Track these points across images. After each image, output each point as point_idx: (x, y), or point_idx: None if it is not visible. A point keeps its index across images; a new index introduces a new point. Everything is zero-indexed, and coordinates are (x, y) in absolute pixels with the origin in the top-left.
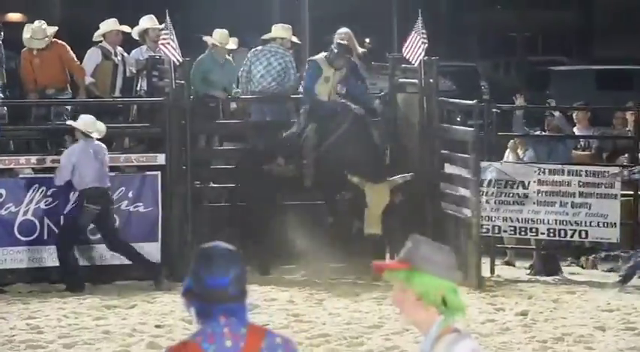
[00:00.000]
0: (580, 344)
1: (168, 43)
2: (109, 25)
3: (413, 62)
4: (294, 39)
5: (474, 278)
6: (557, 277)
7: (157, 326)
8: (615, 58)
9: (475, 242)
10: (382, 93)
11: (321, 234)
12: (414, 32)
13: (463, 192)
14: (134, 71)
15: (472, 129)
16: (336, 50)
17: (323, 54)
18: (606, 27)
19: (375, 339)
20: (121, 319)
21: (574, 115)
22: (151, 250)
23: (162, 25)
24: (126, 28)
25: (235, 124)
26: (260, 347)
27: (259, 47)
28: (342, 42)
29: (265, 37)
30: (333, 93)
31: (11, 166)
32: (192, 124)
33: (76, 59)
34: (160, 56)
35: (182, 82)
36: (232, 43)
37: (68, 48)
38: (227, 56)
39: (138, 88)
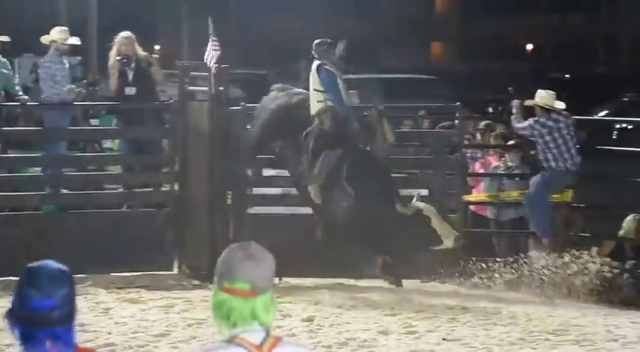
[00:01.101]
0: (363, 348)
1: None
2: None
3: (213, 69)
4: (74, 41)
5: None
6: (343, 283)
7: None
8: (400, 67)
9: None
10: (172, 101)
11: (114, 242)
12: (210, 39)
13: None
14: None
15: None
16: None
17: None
18: (391, 37)
19: (161, 348)
20: None
21: None
22: None
23: None
24: None
25: (25, 131)
26: None
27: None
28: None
29: (44, 40)
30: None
31: None
32: None
33: None
34: None
35: None
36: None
37: None
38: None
39: None
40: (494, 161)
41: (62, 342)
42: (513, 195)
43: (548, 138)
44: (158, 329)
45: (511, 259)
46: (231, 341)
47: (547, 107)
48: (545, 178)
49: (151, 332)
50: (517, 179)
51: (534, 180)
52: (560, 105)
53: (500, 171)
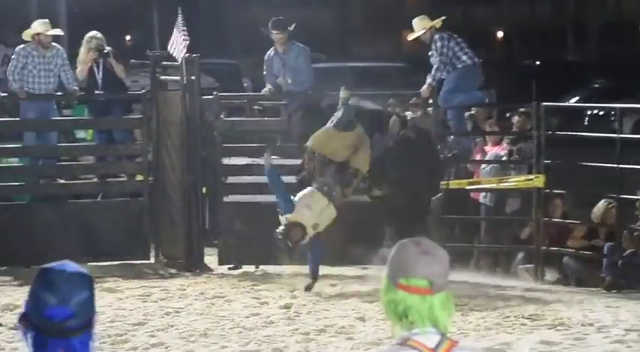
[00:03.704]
0: (341, 334)
1: None
2: None
3: (177, 59)
4: (57, 32)
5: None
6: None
7: None
8: (370, 55)
9: None
10: (143, 91)
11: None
12: (175, 29)
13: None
14: None
15: None
16: None
17: None
18: (362, 26)
19: (139, 336)
20: None
21: None
22: None
23: None
24: None
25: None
26: None
27: (22, 46)
28: None
29: (25, 36)
30: None
31: None
32: None
33: None
34: None
35: None
36: None
37: None
38: None
39: None
40: (493, 148)
41: None
42: (493, 181)
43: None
44: (136, 318)
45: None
46: (404, 343)
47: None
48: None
49: (128, 320)
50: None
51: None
52: None
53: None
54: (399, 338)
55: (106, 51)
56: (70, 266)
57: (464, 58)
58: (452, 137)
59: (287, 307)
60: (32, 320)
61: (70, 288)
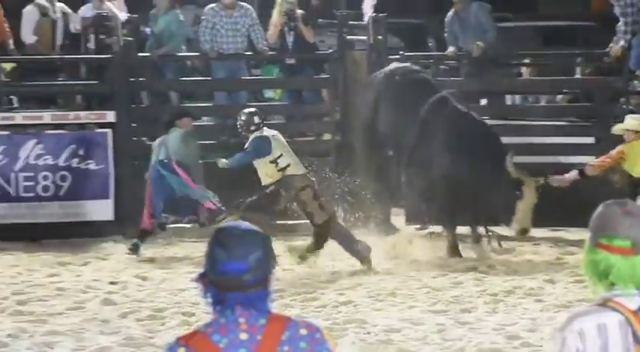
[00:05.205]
0: (530, 296)
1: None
2: None
3: (364, 19)
4: None
5: None
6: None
7: (111, 283)
8: (557, 14)
9: None
10: (331, 51)
11: None
12: None
13: None
14: (78, 28)
15: None
16: None
17: None
18: None
19: (328, 294)
20: (75, 276)
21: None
22: (104, 207)
23: None
24: None
25: (190, 82)
26: (280, 340)
27: (210, 6)
28: None
29: None
30: None
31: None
32: (141, 82)
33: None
34: (107, 13)
35: (130, 38)
36: None
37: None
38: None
39: (88, 46)
40: None
41: (254, 308)
42: None
43: None
44: (325, 277)
45: None
46: (604, 304)
47: None
48: None
49: (318, 278)
50: None
51: None
52: None
53: None
54: (599, 298)
55: (296, 15)
56: (244, 224)
57: None
58: None
59: (474, 268)
60: (210, 278)
61: (243, 244)
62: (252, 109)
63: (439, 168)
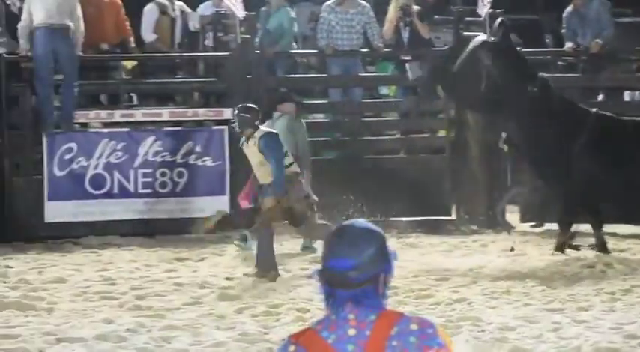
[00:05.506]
0: None
1: None
2: None
3: (481, 15)
4: None
5: None
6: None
7: (227, 278)
8: None
9: None
10: (447, 48)
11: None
12: None
13: None
14: (197, 26)
15: None
16: None
17: None
18: None
19: (442, 291)
20: (192, 271)
21: None
22: (220, 204)
23: None
24: None
25: (303, 79)
26: (389, 335)
27: (327, 3)
28: None
29: None
30: None
31: (82, 121)
32: (257, 79)
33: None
34: (225, 11)
35: (247, 36)
36: None
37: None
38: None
39: (206, 43)
40: None
41: (363, 306)
42: None
43: None
44: (439, 273)
45: None
46: None
47: None
48: None
49: (431, 275)
50: None
51: None
52: None
53: None
54: None
55: (412, 11)
56: (360, 222)
57: None
58: None
59: (590, 266)
60: (323, 273)
61: (354, 242)
62: (251, 104)
63: (579, 163)
